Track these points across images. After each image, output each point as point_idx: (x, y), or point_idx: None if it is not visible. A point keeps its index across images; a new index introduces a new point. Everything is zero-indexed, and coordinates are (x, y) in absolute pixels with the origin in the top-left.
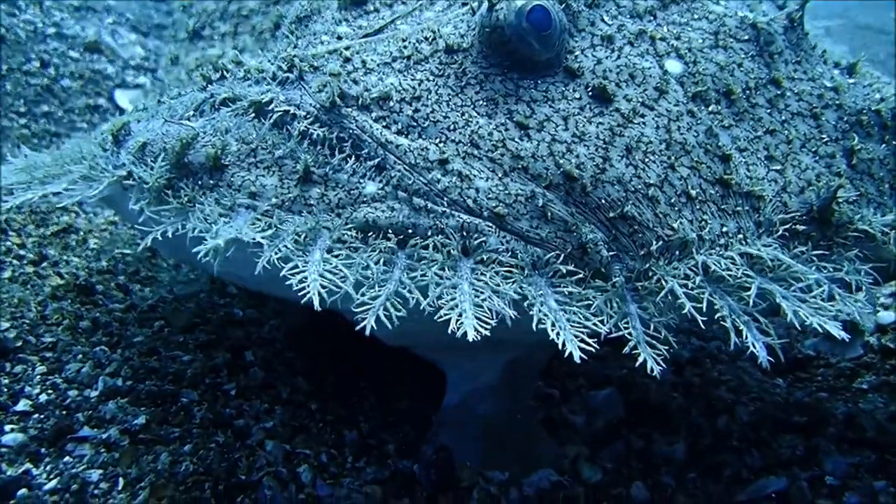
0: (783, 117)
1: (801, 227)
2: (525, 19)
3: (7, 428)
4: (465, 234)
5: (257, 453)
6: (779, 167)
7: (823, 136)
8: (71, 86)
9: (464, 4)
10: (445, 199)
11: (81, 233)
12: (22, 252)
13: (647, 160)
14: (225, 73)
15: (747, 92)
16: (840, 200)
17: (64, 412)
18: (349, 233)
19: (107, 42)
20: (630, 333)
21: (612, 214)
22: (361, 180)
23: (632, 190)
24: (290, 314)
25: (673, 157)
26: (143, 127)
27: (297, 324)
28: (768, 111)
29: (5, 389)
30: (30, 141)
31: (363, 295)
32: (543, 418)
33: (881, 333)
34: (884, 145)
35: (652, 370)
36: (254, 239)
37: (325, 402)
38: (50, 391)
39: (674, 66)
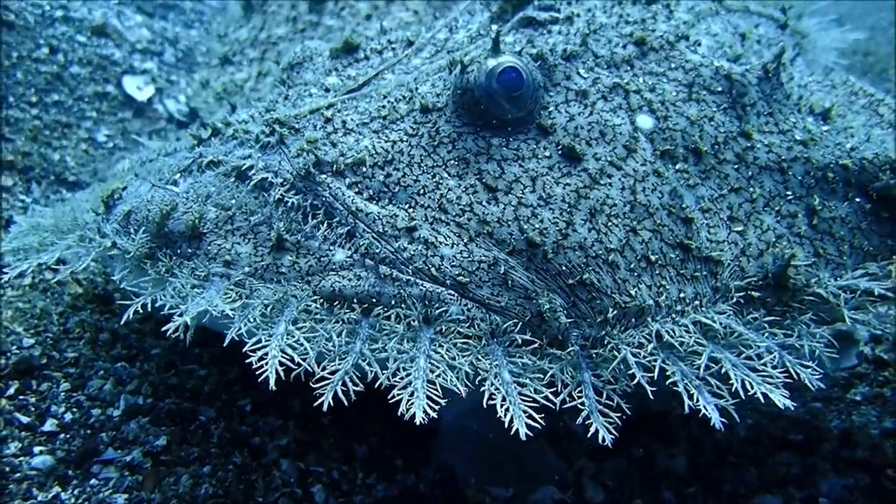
0: (750, 172)
1: (756, 294)
2: (496, 81)
3: (36, 450)
4: (427, 302)
5: (273, 473)
6: (740, 228)
7: (788, 192)
8: (80, 73)
9: (448, 52)
10: (410, 267)
11: None
12: None
13: (609, 224)
14: (215, 132)
15: (716, 147)
16: (795, 266)
17: (89, 431)
18: (315, 304)
19: (113, 25)
20: (583, 403)
21: (571, 281)
22: (332, 247)
23: (592, 255)
24: None
25: (636, 221)
26: (133, 191)
27: None
28: (735, 166)
29: (33, 409)
30: (41, 132)
31: (324, 369)
32: (546, 430)
33: (875, 343)
34: (847, 203)
35: (603, 439)
36: (223, 312)
37: (335, 415)
38: (75, 409)
39: (645, 121)
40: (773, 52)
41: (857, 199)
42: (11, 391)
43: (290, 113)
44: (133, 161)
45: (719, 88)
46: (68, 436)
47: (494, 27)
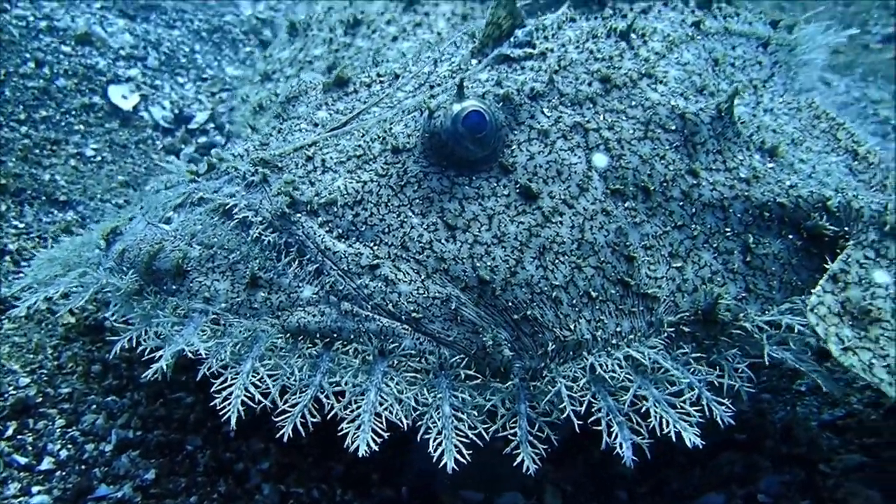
0: (694, 209)
1: (686, 329)
2: (461, 124)
3: (35, 489)
4: (383, 337)
5: (255, 498)
6: (680, 264)
7: (727, 229)
8: (66, 85)
9: (431, 87)
10: (370, 303)
11: None
12: None
13: (556, 261)
14: (210, 167)
15: (664, 185)
16: (723, 303)
17: (83, 467)
18: (281, 340)
19: (97, 32)
20: (516, 433)
21: (516, 316)
22: (301, 284)
23: (538, 292)
24: None
25: (581, 258)
26: (132, 228)
27: None
28: (681, 203)
29: (30, 448)
30: (31, 151)
31: (286, 402)
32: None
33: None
34: (780, 239)
35: (527, 469)
36: (197, 350)
37: (314, 435)
38: (70, 446)
39: (600, 159)
40: (728, 93)
41: (790, 236)
42: (10, 432)
43: (276, 152)
44: (157, 183)
45: (673, 127)
46: (64, 473)
47: (474, 61)
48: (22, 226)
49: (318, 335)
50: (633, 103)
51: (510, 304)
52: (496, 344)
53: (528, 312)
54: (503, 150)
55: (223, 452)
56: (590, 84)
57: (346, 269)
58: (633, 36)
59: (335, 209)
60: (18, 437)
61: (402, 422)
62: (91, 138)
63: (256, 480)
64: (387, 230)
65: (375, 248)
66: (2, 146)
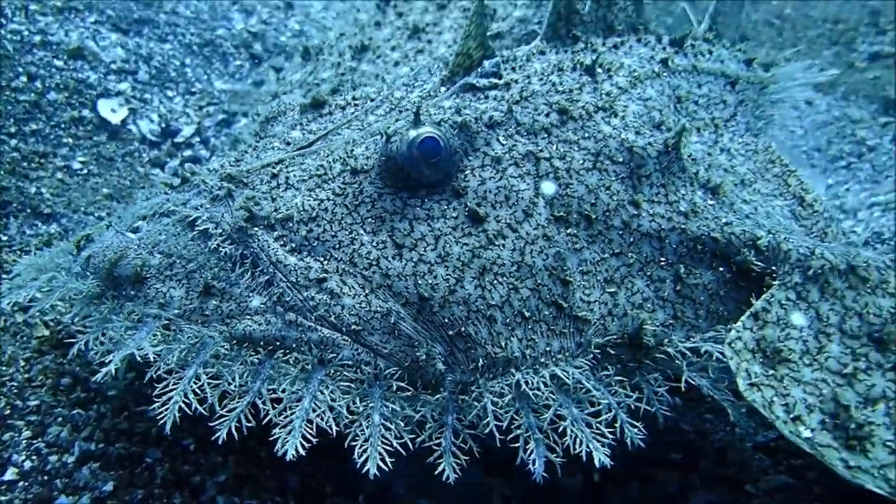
0: (632, 238)
1: (612, 351)
2: (416, 149)
3: None
4: (323, 347)
5: None
6: (613, 289)
7: (662, 259)
8: (57, 98)
9: (399, 112)
10: (314, 314)
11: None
12: None
13: (495, 281)
14: (184, 180)
15: (606, 214)
16: (649, 328)
17: (45, 478)
18: (225, 347)
19: (89, 47)
20: (440, 444)
21: (451, 332)
22: (251, 294)
23: (474, 310)
24: None
25: (519, 280)
26: (101, 237)
27: None
28: (620, 232)
29: None
30: (20, 164)
31: (224, 407)
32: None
33: None
34: (711, 271)
35: (448, 477)
36: (147, 354)
37: (271, 447)
38: (34, 457)
39: (548, 187)
40: (676, 130)
41: (721, 269)
42: None
43: (244, 168)
44: (140, 195)
45: (621, 159)
46: (27, 483)
47: (443, 89)
48: (5, 238)
49: (262, 343)
50: (586, 135)
51: (447, 320)
52: (430, 358)
53: (463, 329)
54: (457, 174)
55: (181, 465)
56: (547, 115)
57: (294, 281)
58: (598, 70)
59: (291, 224)
60: None
61: (331, 429)
62: (79, 151)
63: (212, 493)
64: (337, 246)
65: (325, 262)
66: None
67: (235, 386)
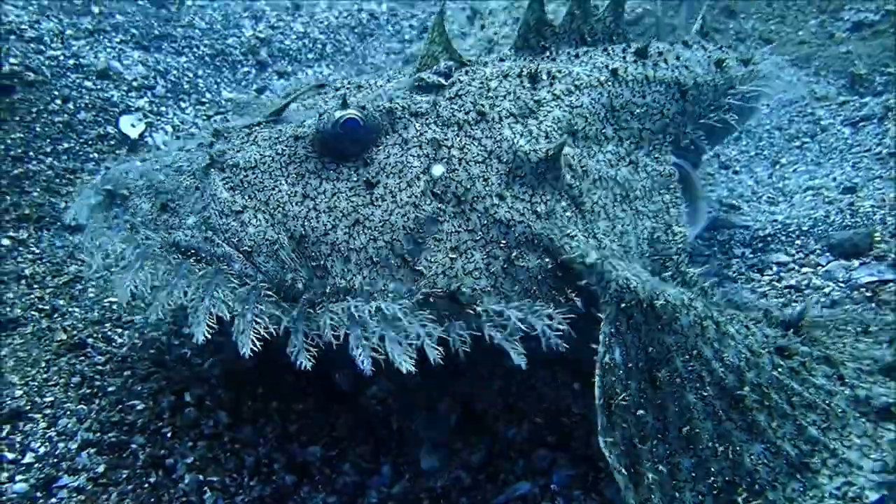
0: (486, 222)
1: (432, 300)
2: (340, 127)
3: (18, 478)
4: (223, 260)
5: (178, 486)
6: (455, 256)
7: (503, 242)
8: (86, 118)
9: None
10: (225, 235)
11: (84, 282)
12: (40, 305)
13: (361, 231)
14: (216, 134)
15: (475, 199)
16: (466, 289)
17: (54, 461)
18: (161, 251)
19: (114, 67)
20: (293, 342)
21: (314, 264)
22: (190, 214)
23: (337, 250)
24: (225, 350)
25: (379, 233)
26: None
27: (231, 359)
28: (479, 215)
29: (18, 446)
30: (53, 181)
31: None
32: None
33: None
34: (539, 261)
35: (301, 365)
36: (114, 250)
37: (237, 432)
38: (46, 444)
39: (437, 169)
40: (557, 144)
41: (547, 260)
42: (4, 433)
43: (229, 126)
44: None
45: (506, 159)
46: (40, 465)
47: (389, 84)
48: (38, 251)
49: (184, 250)
50: (489, 135)
51: (314, 254)
52: (294, 280)
53: (323, 262)
54: (373, 148)
55: (159, 450)
56: (467, 113)
57: (220, 210)
58: (543, 77)
59: (236, 170)
60: (10, 437)
61: (224, 313)
62: (102, 166)
63: (181, 472)
64: (261, 189)
65: (248, 200)
66: (29, 177)
67: (159, 277)
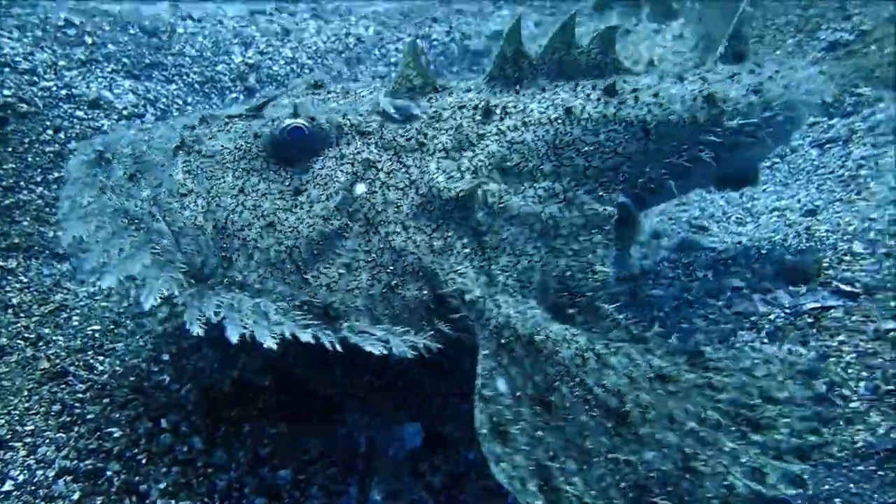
0: (383, 246)
1: (307, 307)
2: (287, 133)
3: None
4: (156, 234)
5: None
6: (343, 272)
7: (391, 268)
8: (77, 147)
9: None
10: (165, 214)
11: (69, 310)
12: (26, 334)
13: (266, 231)
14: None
15: (381, 223)
16: (340, 308)
17: (32, 488)
18: (117, 214)
19: (105, 97)
20: (187, 316)
21: (223, 254)
22: (147, 188)
23: (244, 246)
24: (202, 376)
25: (285, 238)
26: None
27: (207, 384)
28: (379, 239)
29: None
30: (43, 210)
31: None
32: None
33: None
34: (417, 290)
35: (193, 332)
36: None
37: (210, 456)
38: (26, 472)
39: (360, 188)
40: (470, 186)
41: (425, 291)
42: None
43: (215, 114)
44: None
45: (422, 192)
46: (19, 493)
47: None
48: (26, 280)
49: (130, 218)
50: (417, 166)
51: (225, 245)
52: (203, 264)
53: (229, 255)
54: (314, 157)
55: (134, 476)
56: (408, 140)
57: (170, 189)
58: (496, 112)
59: (197, 156)
60: None
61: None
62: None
63: (154, 497)
64: (210, 178)
65: (196, 185)
66: (20, 207)
67: (125, 249)
